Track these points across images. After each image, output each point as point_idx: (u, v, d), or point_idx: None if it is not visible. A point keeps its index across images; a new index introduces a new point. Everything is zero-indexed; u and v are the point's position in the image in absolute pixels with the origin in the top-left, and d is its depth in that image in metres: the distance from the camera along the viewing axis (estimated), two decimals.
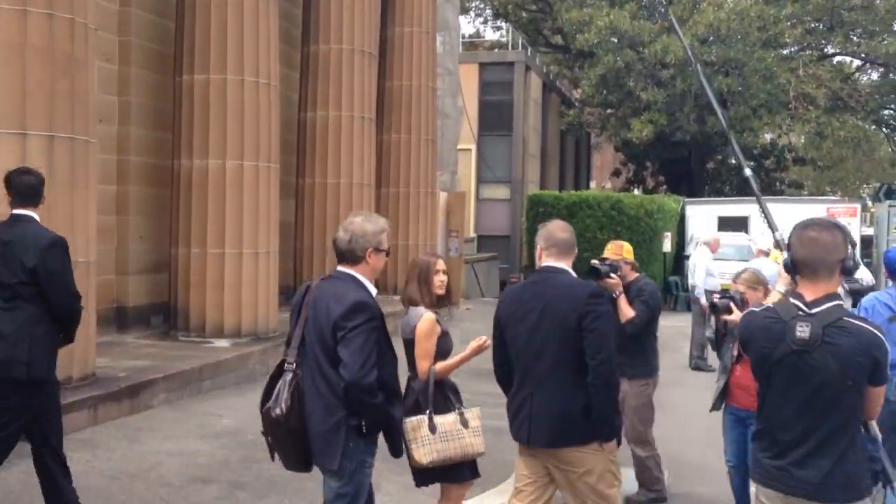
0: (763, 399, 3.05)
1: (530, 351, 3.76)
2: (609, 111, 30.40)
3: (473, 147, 23.74)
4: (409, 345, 4.14)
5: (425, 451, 3.95)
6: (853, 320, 2.93)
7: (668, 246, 19.88)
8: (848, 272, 3.05)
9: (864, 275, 17.96)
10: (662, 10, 29.56)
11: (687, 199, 24.75)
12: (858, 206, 26.09)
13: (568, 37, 30.34)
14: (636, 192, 31.19)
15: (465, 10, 32.06)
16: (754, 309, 3.24)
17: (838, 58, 31.61)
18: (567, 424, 3.70)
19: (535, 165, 26.31)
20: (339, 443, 3.35)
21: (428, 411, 4.00)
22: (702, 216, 23.62)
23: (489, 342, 4.03)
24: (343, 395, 3.31)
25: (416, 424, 3.96)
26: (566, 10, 28.58)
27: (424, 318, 4.06)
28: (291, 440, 3.44)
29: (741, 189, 31.29)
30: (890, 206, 24.36)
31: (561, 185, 28.73)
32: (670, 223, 19.97)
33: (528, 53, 26.81)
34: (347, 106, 11.30)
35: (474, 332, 4.03)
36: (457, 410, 4.10)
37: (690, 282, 12.37)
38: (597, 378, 3.61)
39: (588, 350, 3.63)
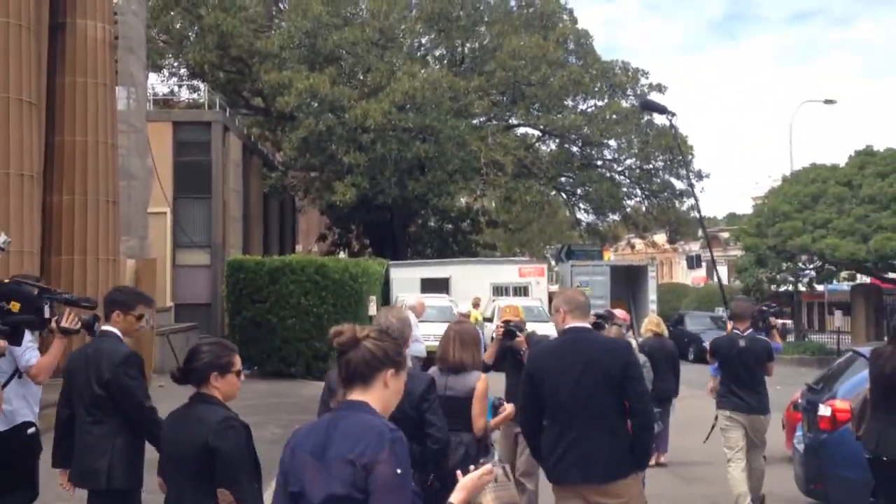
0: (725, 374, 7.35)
1: (577, 400, 4.31)
2: (313, 174, 30.26)
3: (168, 210, 22.16)
4: (455, 402, 4.65)
5: (492, 496, 4.19)
6: (760, 336, 7.46)
7: (373, 309, 19.76)
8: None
9: (549, 330, 19.14)
10: (361, 76, 30.23)
11: (391, 262, 25.07)
12: (545, 266, 28.26)
13: (268, 99, 29.94)
14: (342, 255, 31.16)
15: (157, 68, 30.35)
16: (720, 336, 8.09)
17: (522, 129, 34.32)
18: (619, 460, 4.32)
19: (238, 229, 25.22)
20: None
21: (494, 460, 4.46)
22: (406, 278, 24.05)
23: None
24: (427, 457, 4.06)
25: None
26: (265, 72, 28.20)
27: (483, 380, 4.68)
28: None
29: (442, 251, 32.53)
30: (572, 265, 26.75)
31: (266, 249, 27.81)
32: (375, 286, 19.95)
33: (227, 114, 25.89)
34: (2, 162, 9.73)
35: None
36: (500, 463, 4.52)
37: None
38: (643, 418, 4.35)
39: (633, 395, 4.32)
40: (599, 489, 4.32)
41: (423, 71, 29.48)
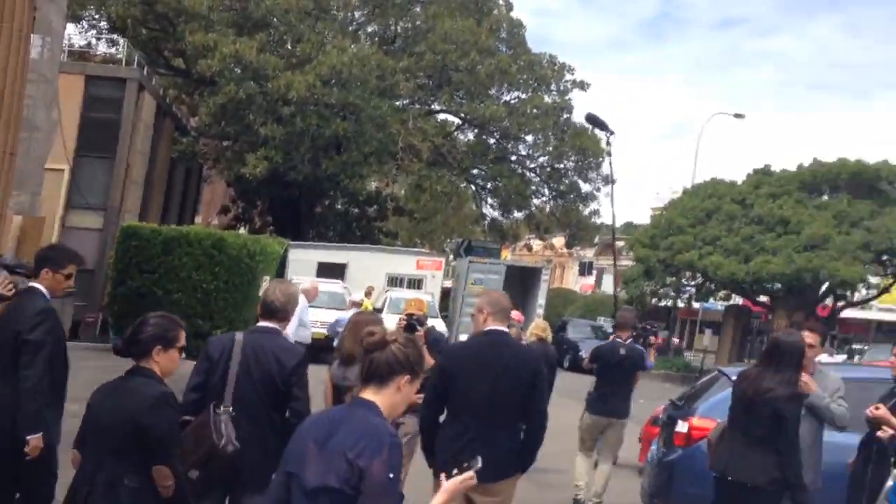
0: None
1: (489, 401, 4.57)
2: (225, 143, 29.67)
3: (67, 168, 21.49)
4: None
5: None
6: (637, 346, 8.37)
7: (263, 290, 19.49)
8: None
9: (439, 327, 19.43)
10: (290, 46, 29.68)
11: (290, 243, 24.60)
12: (443, 259, 28.17)
13: (190, 61, 29.15)
14: (242, 230, 30.52)
15: (76, 18, 29.23)
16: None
17: (443, 115, 34.21)
18: (510, 461, 4.67)
19: (138, 194, 24.57)
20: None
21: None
22: (303, 260, 23.61)
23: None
24: (286, 428, 3.94)
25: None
26: (190, 33, 27.44)
27: None
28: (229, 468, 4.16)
29: (344, 235, 32.12)
30: (470, 261, 26.81)
31: (164, 217, 27.05)
32: (271, 266, 19.75)
33: (144, 72, 25.18)
34: None
35: None
36: None
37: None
38: (541, 422, 4.73)
39: (537, 401, 4.70)
40: (485, 487, 4.49)
41: (353, 46, 29.10)
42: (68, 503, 3.64)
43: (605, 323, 28.09)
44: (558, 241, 41.21)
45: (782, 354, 4.94)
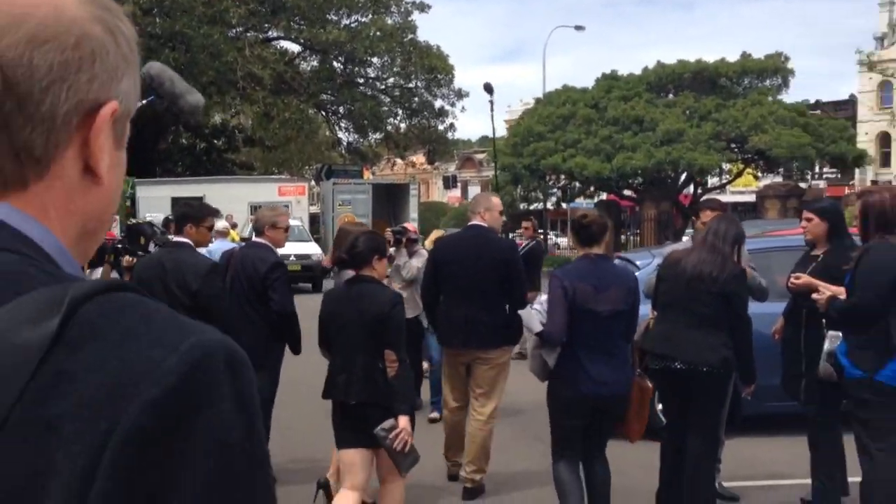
0: None
1: (472, 281, 5.40)
2: None
3: None
4: None
5: None
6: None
7: (116, 231, 18.08)
8: None
9: (309, 249, 18.74)
10: None
11: (137, 180, 23.25)
12: (306, 185, 27.46)
13: None
14: None
15: None
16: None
17: (282, 42, 32.68)
18: (497, 332, 5.42)
19: None
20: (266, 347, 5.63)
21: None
22: (154, 197, 22.40)
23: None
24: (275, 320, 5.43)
25: None
26: None
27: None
28: None
29: (194, 170, 30.53)
30: (334, 184, 26.19)
31: None
32: (121, 205, 18.24)
33: None
34: None
35: None
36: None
37: None
38: (518, 299, 5.38)
39: (514, 281, 5.44)
40: (477, 354, 5.50)
41: None
42: (328, 391, 4.25)
43: None
44: (419, 158, 40.92)
45: (721, 238, 4.73)
